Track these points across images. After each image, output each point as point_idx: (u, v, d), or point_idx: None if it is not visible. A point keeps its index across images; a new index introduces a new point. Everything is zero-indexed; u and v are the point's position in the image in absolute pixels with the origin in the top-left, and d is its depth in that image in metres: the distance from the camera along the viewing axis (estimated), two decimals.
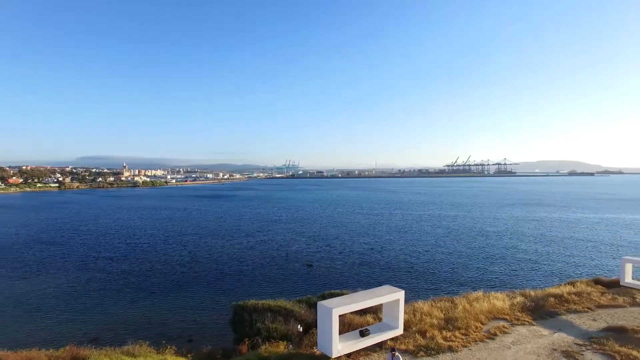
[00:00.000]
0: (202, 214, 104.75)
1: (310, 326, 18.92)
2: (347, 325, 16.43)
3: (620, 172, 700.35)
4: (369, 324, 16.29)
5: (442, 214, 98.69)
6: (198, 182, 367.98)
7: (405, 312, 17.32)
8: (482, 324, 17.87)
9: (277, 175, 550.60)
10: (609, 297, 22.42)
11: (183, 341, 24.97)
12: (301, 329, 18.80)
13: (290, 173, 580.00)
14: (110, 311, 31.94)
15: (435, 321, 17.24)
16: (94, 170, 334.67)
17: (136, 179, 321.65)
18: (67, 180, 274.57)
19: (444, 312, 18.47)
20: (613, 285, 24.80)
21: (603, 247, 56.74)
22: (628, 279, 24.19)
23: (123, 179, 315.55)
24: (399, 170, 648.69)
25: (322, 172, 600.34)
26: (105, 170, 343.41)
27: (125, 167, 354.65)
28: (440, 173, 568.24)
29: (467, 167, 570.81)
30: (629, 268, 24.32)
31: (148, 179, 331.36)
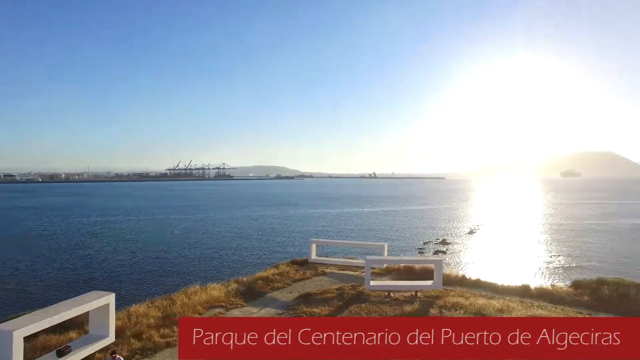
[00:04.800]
0: None
1: None
2: (40, 350, 13.62)
3: (311, 176, 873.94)
4: (72, 341, 14.04)
5: (168, 217, 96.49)
6: None
7: (118, 319, 15.94)
8: (200, 314, 18.59)
9: None
10: (301, 272, 27.59)
11: None
12: None
13: None
14: None
15: (152, 321, 16.67)
16: None
17: None
18: None
19: (161, 310, 18.16)
20: (304, 263, 30.70)
21: (300, 233, 69.63)
22: (313, 256, 30.51)
23: None
24: (117, 174, 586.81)
25: (14, 175, 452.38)
26: None
27: None
28: (162, 177, 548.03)
29: (188, 171, 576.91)
30: (314, 247, 30.73)
31: None
